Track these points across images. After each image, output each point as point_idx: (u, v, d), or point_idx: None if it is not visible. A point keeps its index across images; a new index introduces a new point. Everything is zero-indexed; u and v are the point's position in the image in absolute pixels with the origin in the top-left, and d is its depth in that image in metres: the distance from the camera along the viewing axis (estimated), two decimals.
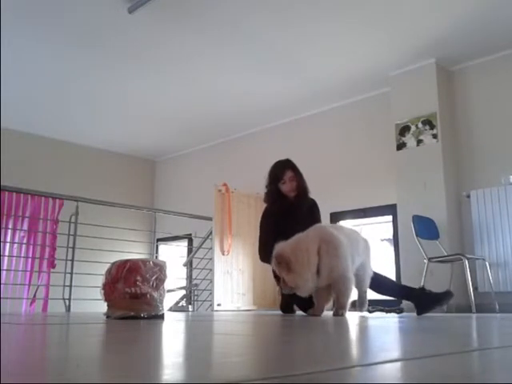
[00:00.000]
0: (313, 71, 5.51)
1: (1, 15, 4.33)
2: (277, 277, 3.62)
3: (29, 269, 4.84)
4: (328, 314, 3.16)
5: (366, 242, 3.15)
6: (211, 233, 5.95)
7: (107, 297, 2.53)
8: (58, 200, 4.96)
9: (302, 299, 3.03)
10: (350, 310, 2.99)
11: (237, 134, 7.35)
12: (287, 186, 3.48)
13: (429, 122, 5.12)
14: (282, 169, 3.50)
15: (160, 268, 2.59)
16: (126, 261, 2.55)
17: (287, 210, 3.43)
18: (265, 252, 3.52)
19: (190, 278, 6.44)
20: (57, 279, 4.81)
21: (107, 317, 2.51)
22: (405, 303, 4.84)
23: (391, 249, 5.54)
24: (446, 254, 4.62)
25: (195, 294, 6.46)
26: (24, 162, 7.11)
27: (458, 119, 5.28)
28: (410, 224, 4.60)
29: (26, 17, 4.48)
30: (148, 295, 2.46)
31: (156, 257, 6.32)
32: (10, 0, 4.18)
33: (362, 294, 3.14)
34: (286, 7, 4.32)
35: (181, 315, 3.64)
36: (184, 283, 6.42)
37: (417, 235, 4.56)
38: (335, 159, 6.22)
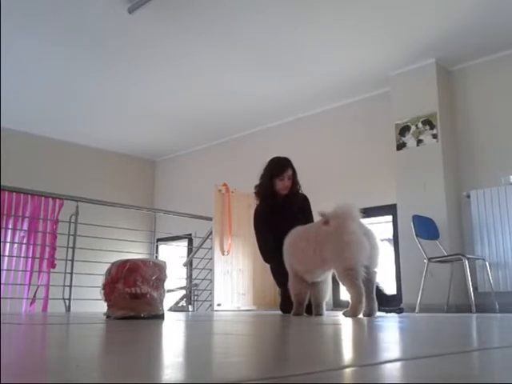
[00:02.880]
0: (313, 71, 5.51)
1: (1, 15, 4.33)
2: (276, 277, 3.64)
3: (29, 269, 4.83)
4: (327, 313, 3.15)
5: None
6: (211, 233, 5.95)
7: (107, 297, 2.53)
8: (57, 200, 4.95)
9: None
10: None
11: (237, 133, 7.35)
12: (283, 184, 3.49)
13: (429, 122, 5.12)
14: (283, 166, 3.52)
15: (160, 268, 2.59)
16: (126, 261, 2.55)
17: (277, 209, 3.43)
18: (268, 252, 3.56)
19: (190, 277, 6.44)
20: (57, 279, 4.81)
21: (107, 317, 2.51)
22: (405, 303, 4.85)
23: (391, 249, 5.54)
24: (445, 254, 4.62)
25: (195, 294, 6.46)
26: (24, 162, 7.11)
27: (458, 119, 5.28)
28: (410, 224, 4.60)
29: (25, 17, 4.47)
30: (148, 295, 2.46)
31: (156, 257, 6.32)
32: (10, 0, 4.18)
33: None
34: (287, 8, 4.32)
35: (181, 315, 3.64)
36: (184, 283, 6.42)
37: (417, 235, 4.56)
38: (335, 159, 6.22)
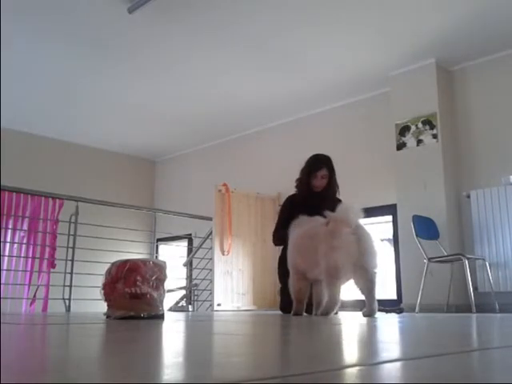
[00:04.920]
0: (313, 71, 5.51)
1: (0, 15, 4.33)
2: (280, 268, 3.63)
3: (29, 269, 4.83)
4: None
5: None
6: (211, 233, 5.95)
7: (107, 297, 2.53)
8: (58, 200, 4.95)
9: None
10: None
11: (237, 133, 7.35)
12: (317, 182, 3.59)
13: (429, 122, 5.12)
14: (319, 164, 3.60)
15: (160, 268, 2.59)
16: (126, 261, 2.55)
17: (308, 204, 3.45)
18: (276, 237, 3.70)
19: (190, 277, 6.44)
20: (57, 279, 4.81)
21: (107, 317, 2.51)
22: (405, 303, 4.85)
23: (391, 249, 5.54)
24: (445, 254, 4.62)
25: (195, 294, 6.46)
26: (24, 161, 7.11)
27: (458, 119, 5.28)
28: (410, 224, 4.60)
29: (25, 17, 4.47)
30: (148, 295, 2.46)
31: (156, 257, 6.32)
32: (10, 0, 4.18)
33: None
34: (286, 8, 4.32)
35: (181, 315, 3.64)
36: (184, 283, 6.42)
37: (417, 235, 4.55)
38: (335, 159, 6.18)
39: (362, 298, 2.88)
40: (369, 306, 2.81)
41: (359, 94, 6.03)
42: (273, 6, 4.31)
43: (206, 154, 7.87)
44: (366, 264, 2.76)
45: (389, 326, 2.10)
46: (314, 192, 3.61)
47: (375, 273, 2.82)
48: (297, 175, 3.72)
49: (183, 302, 6.18)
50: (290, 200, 3.75)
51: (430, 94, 5.17)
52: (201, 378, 0.66)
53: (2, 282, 4.67)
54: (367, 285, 2.80)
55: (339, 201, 3.65)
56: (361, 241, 2.75)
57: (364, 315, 2.81)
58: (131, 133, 7.48)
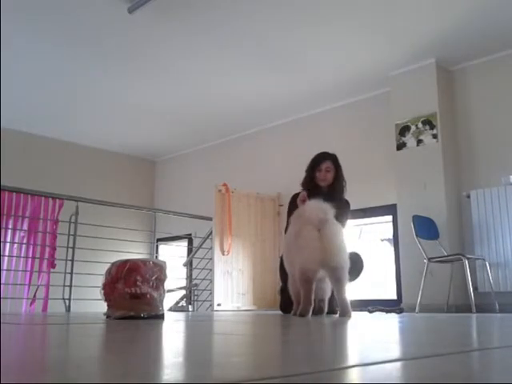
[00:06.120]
0: (313, 71, 5.51)
1: (0, 15, 4.33)
2: (282, 268, 3.61)
3: (29, 269, 4.83)
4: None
5: None
6: (211, 233, 5.95)
7: (107, 297, 2.54)
8: (58, 200, 4.95)
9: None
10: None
11: (237, 133, 7.35)
12: (321, 175, 3.58)
13: (429, 122, 5.12)
14: (322, 158, 3.63)
15: (160, 268, 2.59)
16: (126, 261, 2.55)
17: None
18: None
19: (190, 277, 6.44)
20: (57, 279, 4.81)
21: (107, 317, 2.51)
22: (405, 303, 4.85)
23: (391, 249, 5.54)
24: (445, 254, 4.62)
25: (195, 294, 6.46)
26: (24, 162, 7.11)
27: (458, 119, 5.28)
28: (410, 224, 4.60)
29: (25, 16, 4.47)
30: (148, 295, 2.46)
31: (156, 257, 6.32)
32: (10, 0, 4.18)
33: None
34: (286, 8, 4.32)
35: (181, 315, 3.64)
36: (184, 283, 6.42)
37: (417, 235, 4.55)
38: None
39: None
40: (340, 306, 2.78)
41: (359, 94, 6.03)
42: (273, 6, 4.31)
43: (205, 154, 7.87)
44: (330, 262, 2.71)
45: (389, 326, 2.10)
46: (320, 187, 3.56)
47: (337, 268, 2.73)
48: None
49: (183, 302, 6.18)
50: (296, 198, 3.70)
51: (429, 94, 5.17)
52: (201, 377, 0.66)
53: (2, 281, 4.67)
54: (336, 284, 2.77)
55: (347, 202, 3.63)
56: (323, 238, 2.68)
57: (339, 316, 2.80)
58: (131, 133, 7.48)
